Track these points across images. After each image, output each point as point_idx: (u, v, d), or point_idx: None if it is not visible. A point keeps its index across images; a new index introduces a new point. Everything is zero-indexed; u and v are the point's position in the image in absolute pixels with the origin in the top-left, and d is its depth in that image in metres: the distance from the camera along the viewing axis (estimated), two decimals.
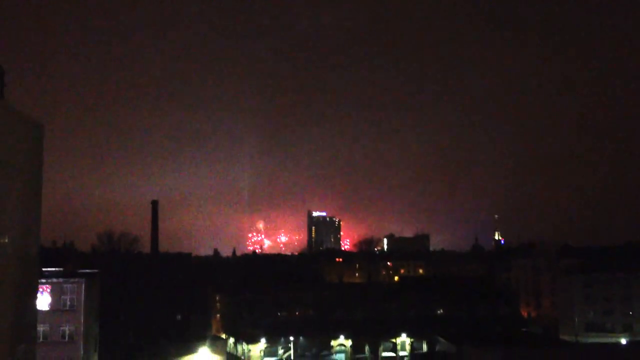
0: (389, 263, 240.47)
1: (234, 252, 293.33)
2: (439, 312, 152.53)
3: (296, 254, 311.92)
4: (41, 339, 75.76)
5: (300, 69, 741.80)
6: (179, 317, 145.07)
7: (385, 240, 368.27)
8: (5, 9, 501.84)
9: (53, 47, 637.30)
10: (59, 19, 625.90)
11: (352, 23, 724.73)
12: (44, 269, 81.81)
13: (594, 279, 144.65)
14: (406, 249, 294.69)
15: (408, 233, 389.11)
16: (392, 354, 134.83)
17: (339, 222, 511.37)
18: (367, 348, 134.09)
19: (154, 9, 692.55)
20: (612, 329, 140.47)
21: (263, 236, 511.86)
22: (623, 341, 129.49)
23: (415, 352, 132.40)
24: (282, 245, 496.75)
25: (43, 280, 79.01)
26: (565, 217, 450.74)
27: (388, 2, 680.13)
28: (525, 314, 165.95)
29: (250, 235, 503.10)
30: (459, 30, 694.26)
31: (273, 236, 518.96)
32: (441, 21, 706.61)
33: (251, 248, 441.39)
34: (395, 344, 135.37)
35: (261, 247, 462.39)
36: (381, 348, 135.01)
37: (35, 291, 51.04)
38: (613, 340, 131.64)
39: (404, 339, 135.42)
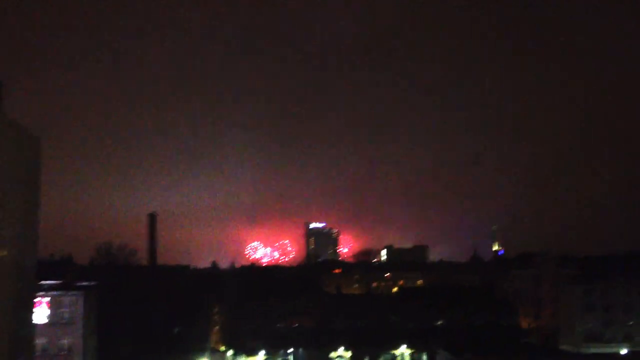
0: (387, 274, 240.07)
1: (232, 264, 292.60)
2: (438, 323, 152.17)
3: (294, 265, 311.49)
4: (40, 352, 75.43)
5: (300, 82, 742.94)
6: (177, 329, 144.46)
7: (383, 252, 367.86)
8: (2, 21, 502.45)
9: (50, 60, 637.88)
10: (56, 32, 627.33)
11: (352, 39, 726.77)
12: (42, 282, 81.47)
13: (594, 288, 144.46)
14: (405, 260, 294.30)
15: (407, 244, 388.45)
16: None
17: (338, 233, 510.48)
18: (366, 359, 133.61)
19: (154, 22, 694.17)
20: (613, 338, 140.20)
21: (260, 249, 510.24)
22: (623, 351, 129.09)
23: None
24: (280, 257, 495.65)
25: (41, 293, 78.75)
26: (564, 226, 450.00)
27: (388, 16, 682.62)
28: (525, 325, 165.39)
29: (247, 248, 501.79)
30: (456, 41, 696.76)
31: (271, 248, 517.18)
32: (438, 33, 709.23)
33: (250, 258, 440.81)
34: (394, 355, 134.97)
35: (258, 261, 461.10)
36: (381, 359, 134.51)
37: (33, 304, 50.77)
38: (613, 350, 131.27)
39: (403, 350, 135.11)
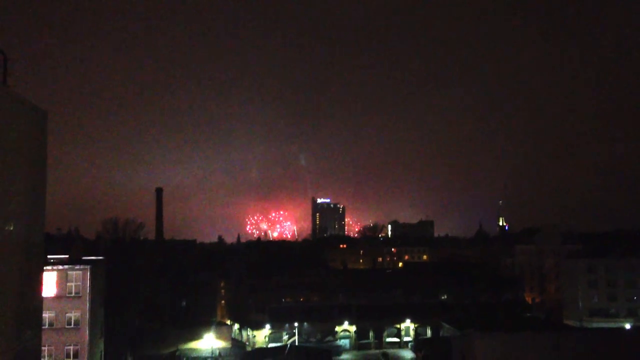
0: (393, 249, 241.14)
1: (238, 239, 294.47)
2: (443, 297, 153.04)
3: (300, 240, 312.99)
4: (47, 326, 76.23)
5: (311, 61, 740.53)
6: (184, 303, 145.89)
7: (389, 227, 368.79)
8: None
9: (56, 33, 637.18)
10: (62, 4, 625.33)
11: (361, 19, 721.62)
12: (49, 256, 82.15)
13: (598, 264, 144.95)
14: (410, 235, 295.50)
15: (412, 219, 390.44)
16: (396, 339, 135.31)
17: (343, 208, 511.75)
18: (371, 333, 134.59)
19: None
20: (616, 313, 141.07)
21: (266, 224, 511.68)
22: (627, 326, 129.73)
23: (420, 337, 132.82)
24: (286, 232, 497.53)
25: (48, 267, 79.33)
26: (569, 202, 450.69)
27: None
28: (529, 299, 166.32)
29: (253, 220, 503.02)
30: (463, 21, 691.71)
31: (278, 223, 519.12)
32: (446, 15, 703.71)
33: (255, 232, 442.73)
34: (399, 330, 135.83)
35: (265, 234, 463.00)
36: (385, 333, 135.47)
37: (41, 278, 51.29)
38: (617, 325, 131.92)
39: (408, 325, 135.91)
